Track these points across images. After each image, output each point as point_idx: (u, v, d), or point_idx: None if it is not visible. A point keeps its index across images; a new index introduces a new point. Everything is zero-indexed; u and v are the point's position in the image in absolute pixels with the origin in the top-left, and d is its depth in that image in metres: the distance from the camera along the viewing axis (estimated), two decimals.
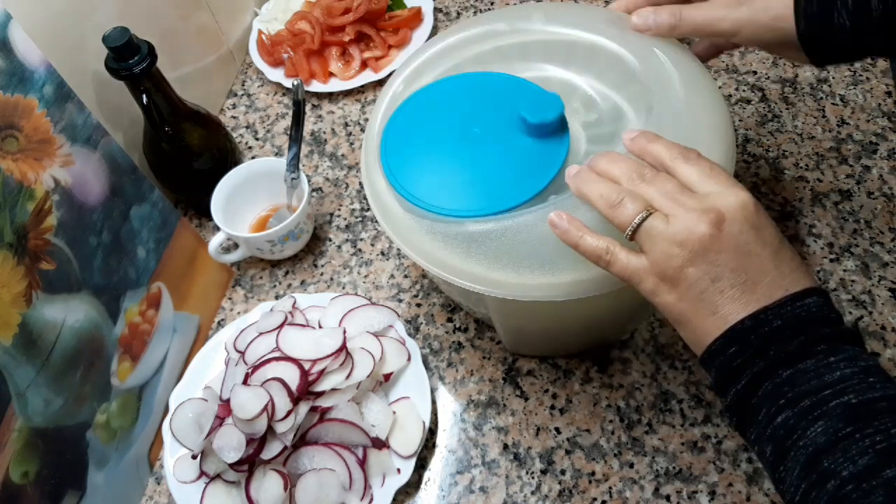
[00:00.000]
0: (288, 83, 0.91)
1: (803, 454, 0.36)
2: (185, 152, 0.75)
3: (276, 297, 0.75)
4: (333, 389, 0.59)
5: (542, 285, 0.48)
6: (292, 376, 0.58)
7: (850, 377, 0.37)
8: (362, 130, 0.87)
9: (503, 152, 0.52)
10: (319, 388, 0.59)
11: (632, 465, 0.60)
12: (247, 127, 0.90)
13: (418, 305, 0.72)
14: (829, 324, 0.39)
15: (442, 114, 0.55)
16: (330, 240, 0.78)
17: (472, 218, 0.49)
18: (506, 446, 0.63)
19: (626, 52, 0.54)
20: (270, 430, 0.57)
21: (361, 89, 0.91)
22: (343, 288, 0.74)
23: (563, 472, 0.61)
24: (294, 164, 0.73)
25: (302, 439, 0.59)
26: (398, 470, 0.59)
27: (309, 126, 0.88)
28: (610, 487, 0.59)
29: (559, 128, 0.51)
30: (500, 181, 0.50)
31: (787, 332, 0.38)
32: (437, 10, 0.98)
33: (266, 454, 0.57)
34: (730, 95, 0.82)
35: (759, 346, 0.38)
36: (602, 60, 0.55)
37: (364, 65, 0.91)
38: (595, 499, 0.59)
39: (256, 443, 0.56)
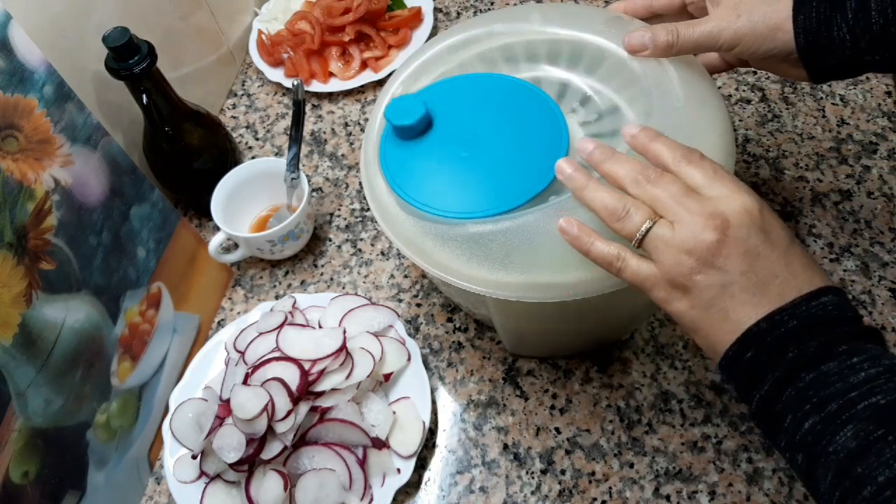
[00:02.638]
0: (288, 83, 0.91)
1: (834, 460, 0.35)
2: (185, 152, 0.75)
3: (276, 297, 0.75)
4: (333, 389, 0.59)
5: (542, 286, 0.48)
6: (292, 376, 0.58)
7: (875, 377, 0.36)
8: (362, 130, 0.87)
9: (502, 153, 0.52)
10: (319, 388, 0.59)
11: (632, 465, 0.60)
12: (247, 127, 0.90)
13: (418, 305, 0.72)
14: (847, 322, 0.38)
15: (442, 116, 0.55)
16: (330, 240, 0.78)
17: (471, 219, 0.49)
18: (506, 446, 0.63)
19: (625, 52, 0.54)
20: (270, 430, 0.57)
21: (361, 89, 0.91)
22: (343, 288, 0.74)
23: (563, 472, 0.61)
24: (294, 164, 0.73)
25: (302, 439, 0.59)
26: (398, 470, 0.59)
27: (309, 126, 0.88)
28: (610, 487, 0.59)
29: (423, 129, 0.53)
30: (500, 182, 0.50)
31: (805, 332, 0.37)
32: (437, 10, 0.98)
33: (266, 454, 0.57)
34: (730, 95, 0.82)
35: (776, 349, 0.38)
36: (601, 61, 0.55)
37: (364, 65, 0.91)
38: (595, 499, 0.59)
39: (256, 443, 0.56)
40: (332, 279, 0.75)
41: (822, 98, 0.80)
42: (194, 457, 0.60)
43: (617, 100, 0.55)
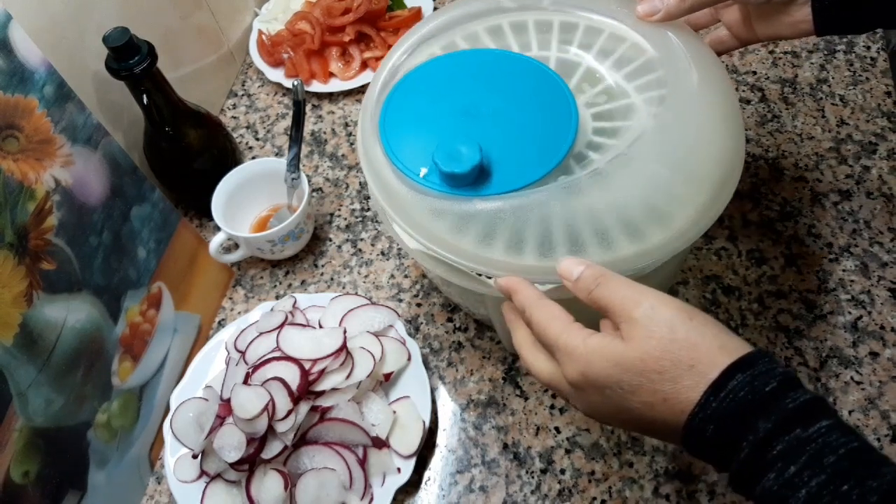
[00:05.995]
0: (288, 83, 0.91)
1: None
2: (185, 152, 0.75)
3: (277, 297, 0.75)
4: (334, 389, 0.59)
5: (550, 269, 0.46)
6: (293, 376, 0.58)
7: (817, 494, 0.32)
8: None
9: (510, 131, 0.50)
10: (320, 387, 0.59)
11: (631, 465, 0.60)
12: (247, 127, 0.90)
13: (418, 305, 0.72)
14: (771, 404, 0.34)
15: (446, 90, 0.53)
16: (330, 240, 0.78)
17: (480, 196, 0.47)
18: (506, 446, 0.63)
19: (636, 32, 0.53)
20: (271, 429, 0.57)
21: (361, 89, 0.91)
22: (343, 288, 0.75)
23: (562, 472, 0.61)
24: (294, 165, 0.73)
25: (302, 439, 0.59)
26: (398, 469, 0.59)
27: (309, 126, 0.89)
28: (609, 487, 0.59)
29: (476, 178, 0.48)
30: (508, 160, 0.49)
31: (726, 440, 0.35)
32: (436, 10, 0.98)
33: (266, 454, 0.57)
34: None
35: (721, 444, 0.35)
36: (610, 40, 0.54)
37: (364, 65, 0.91)
38: (595, 498, 0.59)
39: (257, 442, 0.56)
40: (332, 279, 0.75)
41: (821, 98, 0.80)
42: (195, 456, 0.60)
43: (624, 82, 0.53)
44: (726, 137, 0.49)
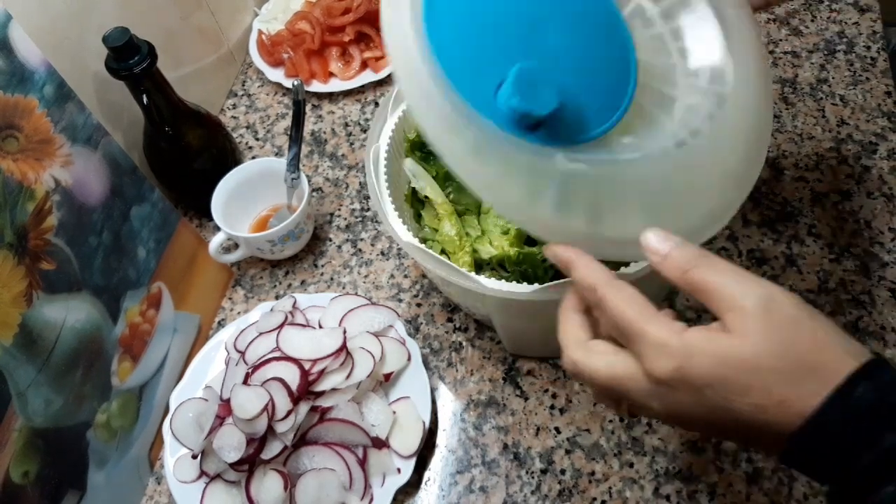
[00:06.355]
0: (288, 83, 0.91)
1: None
2: (185, 152, 0.75)
3: (277, 297, 0.75)
4: (333, 389, 0.59)
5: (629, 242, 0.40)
6: (292, 376, 0.58)
7: None
8: (363, 131, 0.87)
9: (571, 62, 0.41)
10: (319, 387, 0.59)
11: (632, 465, 0.60)
12: (247, 127, 0.90)
13: (418, 305, 0.72)
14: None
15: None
16: (330, 240, 0.78)
17: (564, 147, 0.38)
18: (506, 446, 0.63)
19: None
20: (270, 429, 0.57)
21: (361, 89, 0.91)
22: (343, 288, 0.75)
23: (563, 472, 0.61)
24: (294, 164, 0.73)
25: (302, 439, 0.59)
26: (398, 470, 0.59)
27: (309, 126, 0.89)
28: (610, 487, 0.59)
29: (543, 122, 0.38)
30: (573, 102, 0.40)
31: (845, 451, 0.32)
32: None
33: (266, 454, 0.57)
34: None
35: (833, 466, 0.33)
36: None
37: (364, 65, 0.91)
38: (595, 498, 0.59)
39: (257, 442, 0.56)
40: (332, 279, 0.75)
41: (821, 98, 0.80)
42: (194, 456, 0.60)
43: (670, 37, 0.46)
44: (760, 123, 0.44)
